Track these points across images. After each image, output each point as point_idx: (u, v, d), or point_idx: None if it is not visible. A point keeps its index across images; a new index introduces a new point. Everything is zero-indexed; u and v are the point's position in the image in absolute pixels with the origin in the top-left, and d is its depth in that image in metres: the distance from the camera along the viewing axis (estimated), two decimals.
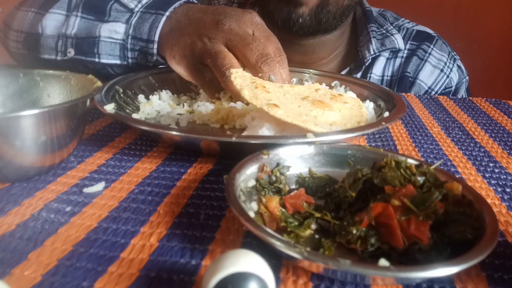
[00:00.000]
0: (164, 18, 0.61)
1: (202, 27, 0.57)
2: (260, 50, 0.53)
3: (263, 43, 0.55)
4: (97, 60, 0.64)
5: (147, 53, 0.63)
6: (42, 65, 0.71)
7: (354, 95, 0.60)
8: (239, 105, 0.55)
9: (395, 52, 0.90)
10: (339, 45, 0.91)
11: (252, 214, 0.31)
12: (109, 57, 0.64)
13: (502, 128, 0.59)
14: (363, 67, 0.88)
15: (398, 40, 0.88)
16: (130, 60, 0.64)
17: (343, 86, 0.66)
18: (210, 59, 0.54)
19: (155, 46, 0.61)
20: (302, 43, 0.87)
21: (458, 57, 0.93)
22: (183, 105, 0.59)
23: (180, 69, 0.59)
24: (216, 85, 0.55)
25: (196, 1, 0.66)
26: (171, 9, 0.61)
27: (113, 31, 0.63)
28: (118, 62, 0.65)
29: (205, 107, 0.56)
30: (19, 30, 0.71)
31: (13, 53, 0.75)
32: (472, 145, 0.52)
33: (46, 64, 0.69)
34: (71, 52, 0.65)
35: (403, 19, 0.96)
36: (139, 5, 0.64)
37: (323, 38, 0.86)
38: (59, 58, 0.66)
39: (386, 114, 0.51)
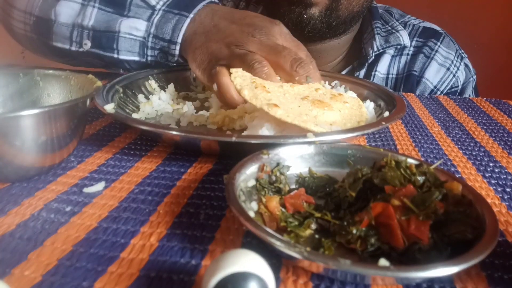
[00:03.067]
0: (188, 20, 0.60)
1: (230, 35, 0.56)
2: (293, 56, 0.53)
3: (294, 50, 0.54)
4: (115, 56, 0.64)
5: (168, 53, 0.62)
6: (51, 52, 0.69)
7: (354, 95, 0.60)
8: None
9: (400, 49, 0.87)
10: (346, 50, 0.90)
11: (252, 214, 0.31)
12: (127, 54, 0.64)
13: (502, 128, 0.59)
14: (366, 64, 0.86)
15: (404, 37, 0.86)
16: (149, 58, 0.64)
17: (343, 86, 0.66)
18: (238, 59, 0.52)
19: (178, 47, 0.61)
20: (309, 49, 0.85)
21: (466, 56, 0.90)
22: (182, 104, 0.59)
23: (199, 72, 0.58)
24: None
25: (218, 2, 0.65)
26: (195, 10, 0.61)
27: (133, 28, 0.62)
28: (136, 58, 0.64)
29: (190, 110, 0.56)
30: (27, 12, 0.68)
31: (17, 34, 0.73)
32: (472, 145, 0.52)
33: (57, 51, 0.68)
34: (87, 44, 0.64)
35: (409, 16, 0.94)
36: (161, 3, 0.63)
37: (331, 42, 0.84)
38: (73, 48, 0.65)
39: (386, 114, 0.51)
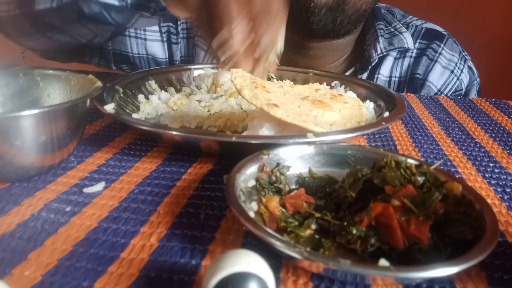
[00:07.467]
0: None
1: None
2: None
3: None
4: None
5: None
6: (35, 26, 0.68)
7: (354, 95, 0.60)
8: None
9: (403, 51, 0.86)
10: (348, 51, 0.88)
11: (252, 214, 0.31)
12: None
13: (502, 128, 0.59)
14: (369, 67, 0.84)
15: (407, 39, 0.84)
16: (128, 1, 0.61)
17: (343, 86, 0.66)
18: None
19: None
20: (312, 46, 0.83)
21: (469, 58, 0.89)
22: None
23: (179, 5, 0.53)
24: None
25: None
26: None
27: None
28: (116, 3, 0.61)
29: (188, 108, 0.56)
30: None
31: (1, 19, 0.71)
32: (472, 145, 0.52)
33: (40, 22, 0.65)
34: None
35: (411, 16, 0.92)
36: None
37: (334, 42, 0.82)
38: (54, 5, 0.63)
39: (386, 114, 0.51)
